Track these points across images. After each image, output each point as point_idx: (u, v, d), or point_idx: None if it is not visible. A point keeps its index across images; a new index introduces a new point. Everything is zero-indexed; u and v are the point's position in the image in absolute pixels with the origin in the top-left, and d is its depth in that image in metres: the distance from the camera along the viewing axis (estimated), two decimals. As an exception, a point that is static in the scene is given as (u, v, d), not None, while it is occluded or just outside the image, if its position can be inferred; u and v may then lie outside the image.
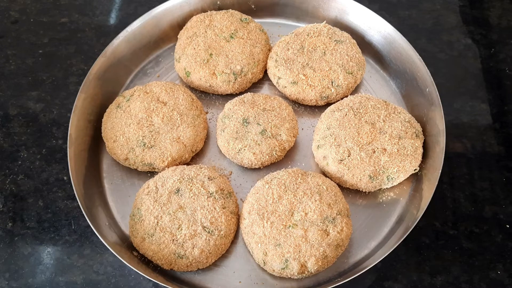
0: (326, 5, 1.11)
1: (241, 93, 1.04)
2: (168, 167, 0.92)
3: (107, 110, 0.98)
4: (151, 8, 1.08)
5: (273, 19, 1.16)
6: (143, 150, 0.91)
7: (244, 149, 0.92)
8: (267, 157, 0.92)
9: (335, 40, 1.03)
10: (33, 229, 0.94)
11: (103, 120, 0.97)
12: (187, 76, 1.03)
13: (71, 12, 1.24)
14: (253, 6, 1.14)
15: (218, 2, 1.12)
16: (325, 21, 1.09)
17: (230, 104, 0.98)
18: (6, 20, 1.23)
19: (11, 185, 0.99)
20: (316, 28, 1.05)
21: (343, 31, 1.06)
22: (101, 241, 0.83)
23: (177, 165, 0.93)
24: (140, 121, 0.94)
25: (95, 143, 0.98)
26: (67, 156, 0.90)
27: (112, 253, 0.81)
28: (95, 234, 0.83)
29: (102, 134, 0.96)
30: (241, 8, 1.12)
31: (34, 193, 0.98)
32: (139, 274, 0.87)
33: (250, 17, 1.09)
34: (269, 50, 1.06)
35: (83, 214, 0.85)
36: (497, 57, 1.14)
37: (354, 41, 1.05)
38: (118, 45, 1.04)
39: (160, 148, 0.92)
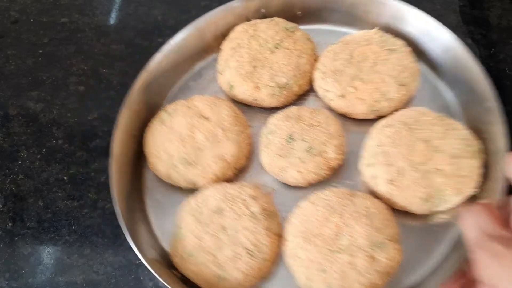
0: (377, 9, 1.04)
1: (286, 106, 0.99)
2: (210, 185, 0.90)
3: (149, 125, 0.97)
4: (151, 8, 1.07)
5: (320, 26, 1.10)
6: (186, 167, 0.90)
7: (289, 167, 0.88)
8: (313, 175, 0.88)
9: (388, 49, 0.96)
10: (33, 229, 0.96)
11: (145, 135, 0.96)
12: (230, 89, 0.99)
13: (71, 12, 1.25)
14: (299, 12, 1.09)
15: (263, 10, 1.08)
16: (377, 28, 1.02)
17: (274, 119, 0.94)
18: (6, 20, 1.26)
19: (11, 185, 1.01)
20: (367, 35, 0.99)
21: (396, 38, 0.99)
22: (101, 241, 0.84)
23: (220, 182, 0.91)
24: (182, 137, 0.92)
25: (137, 158, 0.97)
26: (67, 156, 0.89)
27: (113, 253, 0.82)
28: (96, 234, 0.85)
29: (144, 150, 0.95)
30: (286, 15, 1.07)
31: (34, 193, 0.99)
32: (139, 274, 0.88)
33: (296, 25, 1.04)
34: (316, 60, 1.01)
35: (83, 214, 0.86)
36: (497, 57, 1.10)
37: (409, 49, 0.98)
38: (161, 59, 1.02)
39: (202, 166, 0.90)
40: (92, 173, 1.01)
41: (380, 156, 0.87)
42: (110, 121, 0.97)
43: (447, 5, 1.19)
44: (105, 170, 0.95)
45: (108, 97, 1.11)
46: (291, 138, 0.90)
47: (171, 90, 1.07)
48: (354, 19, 1.08)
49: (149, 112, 1.00)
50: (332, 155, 0.89)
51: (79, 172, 1.02)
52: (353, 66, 0.96)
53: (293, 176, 0.89)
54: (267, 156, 0.91)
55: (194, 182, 0.90)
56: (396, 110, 0.94)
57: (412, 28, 1.02)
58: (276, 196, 0.92)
